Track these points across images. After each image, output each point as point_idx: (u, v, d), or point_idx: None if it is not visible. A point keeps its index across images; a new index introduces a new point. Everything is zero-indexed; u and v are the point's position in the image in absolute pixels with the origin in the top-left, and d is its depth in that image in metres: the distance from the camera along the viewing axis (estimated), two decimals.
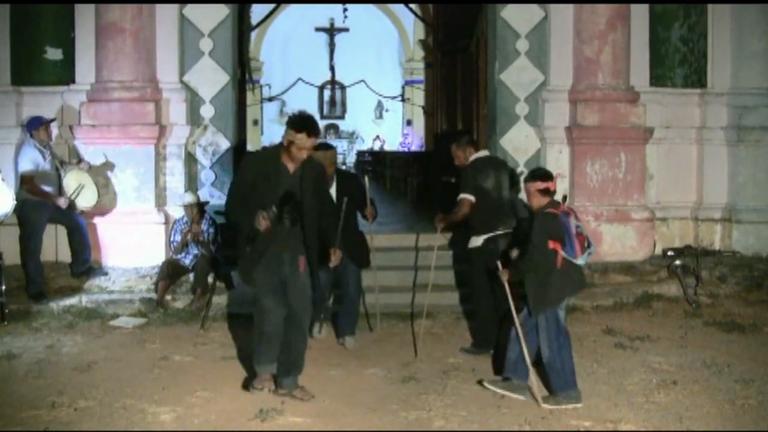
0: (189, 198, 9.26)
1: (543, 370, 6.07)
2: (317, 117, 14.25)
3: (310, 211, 5.79)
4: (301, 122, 5.75)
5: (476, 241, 7.29)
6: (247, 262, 5.84)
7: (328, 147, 7.50)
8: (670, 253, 10.43)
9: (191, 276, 9.12)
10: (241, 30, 11.78)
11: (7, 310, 8.13)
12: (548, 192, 6.00)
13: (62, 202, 8.94)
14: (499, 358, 6.50)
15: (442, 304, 8.83)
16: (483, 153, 7.62)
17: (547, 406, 5.78)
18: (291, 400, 5.89)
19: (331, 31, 32.53)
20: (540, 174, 6.13)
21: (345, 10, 28.59)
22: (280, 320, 5.86)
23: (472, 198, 7.27)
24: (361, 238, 7.66)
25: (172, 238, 9.32)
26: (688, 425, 5.46)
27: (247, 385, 6.13)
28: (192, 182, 10.28)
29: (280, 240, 5.73)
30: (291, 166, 5.77)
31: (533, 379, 5.99)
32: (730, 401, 5.93)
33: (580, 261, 5.90)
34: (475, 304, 7.58)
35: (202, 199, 9.58)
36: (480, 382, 6.24)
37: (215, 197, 10.23)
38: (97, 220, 9.64)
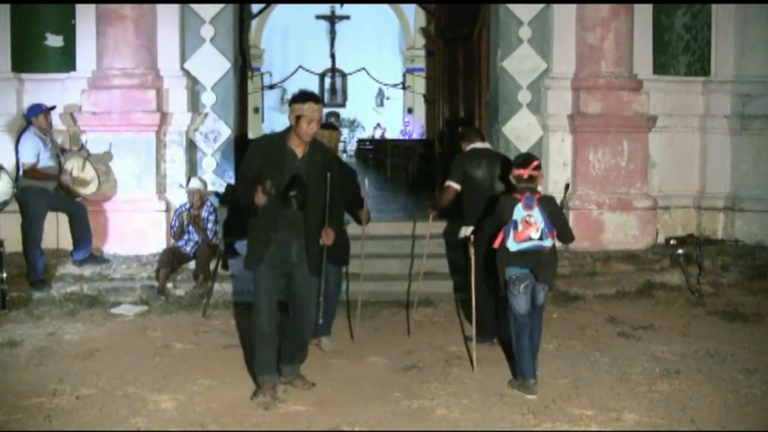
0: (195, 183, 9.25)
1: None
2: None
3: (315, 195, 5.72)
4: (303, 94, 5.73)
5: (465, 231, 7.29)
6: (256, 246, 5.71)
7: (333, 127, 7.42)
8: (672, 242, 10.44)
9: (192, 264, 9.12)
10: (242, 17, 11.72)
11: (8, 298, 8.12)
12: (521, 178, 6.04)
13: (65, 179, 8.92)
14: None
15: (443, 292, 8.84)
16: (481, 144, 7.59)
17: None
18: (293, 389, 5.89)
19: (332, 18, 32.50)
20: (518, 161, 6.22)
21: (341, 5, 28.69)
22: (277, 322, 5.78)
23: (456, 186, 7.33)
24: (343, 237, 7.04)
25: (173, 223, 9.32)
26: (692, 415, 5.45)
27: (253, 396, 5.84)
28: (193, 170, 10.25)
29: (287, 227, 5.65)
30: (299, 151, 5.70)
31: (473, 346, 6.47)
32: (734, 390, 5.92)
33: (509, 245, 5.89)
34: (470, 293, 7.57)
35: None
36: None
37: (216, 185, 10.22)
38: (98, 207, 9.61)
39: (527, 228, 5.84)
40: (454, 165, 7.42)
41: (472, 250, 6.46)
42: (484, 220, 6.68)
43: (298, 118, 5.61)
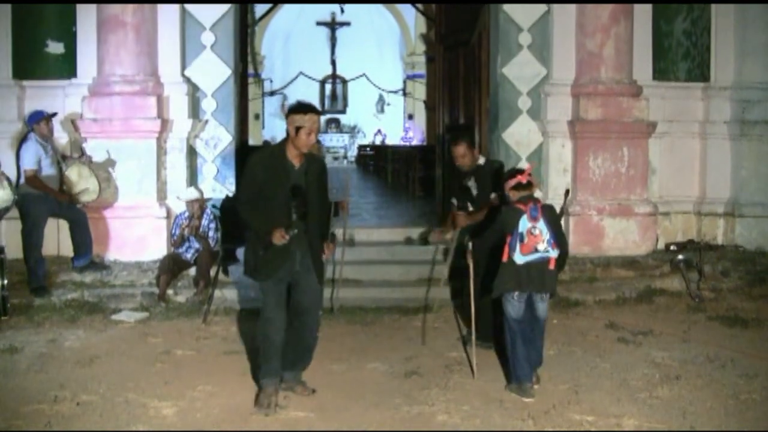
0: (192, 194, 9.24)
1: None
2: None
3: (314, 205, 5.78)
4: (303, 105, 5.77)
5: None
6: (270, 258, 5.67)
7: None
8: (672, 247, 10.44)
9: (192, 270, 9.12)
10: (244, 24, 11.75)
11: (9, 304, 8.10)
12: (521, 186, 6.05)
13: (64, 198, 8.94)
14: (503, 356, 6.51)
15: (443, 298, 8.82)
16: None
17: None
18: (293, 395, 5.88)
19: (333, 25, 32.57)
20: (511, 172, 6.27)
21: (342, 9, 28.73)
22: (283, 330, 5.80)
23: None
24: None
25: (173, 231, 9.32)
26: (691, 420, 5.45)
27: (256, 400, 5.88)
28: (193, 176, 10.27)
29: (292, 238, 5.68)
30: (296, 161, 5.74)
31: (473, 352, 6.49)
32: (734, 396, 5.92)
33: (516, 258, 5.87)
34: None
35: (204, 192, 9.56)
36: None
37: (216, 191, 10.23)
38: (98, 214, 9.62)
39: (533, 240, 5.83)
40: (487, 177, 7.28)
41: (470, 258, 6.47)
42: (483, 232, 6.68)
43: (297, 129, 5.65)
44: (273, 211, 5.62)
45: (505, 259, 5.93)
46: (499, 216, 6.10)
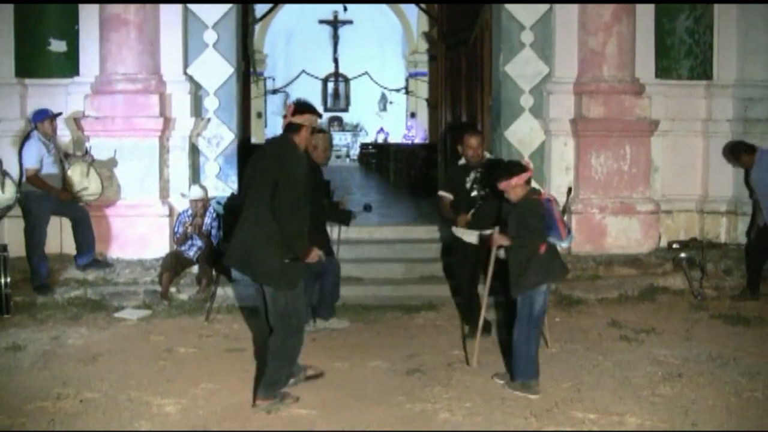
0: (196, 192, 9.24)
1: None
2: (321, 110, 14.32)
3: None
4: (312, 106, 5.83)
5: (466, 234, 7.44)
6: (294, 268, 5.58)
7: (323, 131, 7.80)
8: (675, 245, 10.41)
9: (195, 268, 9.13)
10: (246, 22, 11.74)
11: (12, 302, 8.14)
12: (530, 179, 6.12)
13: (66, 196, 8.95)
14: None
15: (445, 296, 8.85)
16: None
17: (498, 380, 6.19)
18: (294, 393, 5.86)
19: (335, 23, 32.58)
20: (517, 169, 6.16)
21: (345, 8, 28.75)
22: None
23: None
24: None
25: (176, 229, 9.33)
26: (694, 418, 5.45)
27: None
28: (196, 174, 10.26)
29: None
30: None
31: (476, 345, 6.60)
32: (736, 394, 5.92)
33: (565, 243, 6.03)
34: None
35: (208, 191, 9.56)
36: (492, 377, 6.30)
37: (219, 189, 10.22)
38: (101, 212, 9.63)
39: (563, 225, 5.97)
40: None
41: (494, 250, 6.34)
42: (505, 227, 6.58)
43: (311, 129, 5.73)
44: (306, 215, 5.58)
45: (543, 250, 5.92)
46: (531, 211, 5.96)
